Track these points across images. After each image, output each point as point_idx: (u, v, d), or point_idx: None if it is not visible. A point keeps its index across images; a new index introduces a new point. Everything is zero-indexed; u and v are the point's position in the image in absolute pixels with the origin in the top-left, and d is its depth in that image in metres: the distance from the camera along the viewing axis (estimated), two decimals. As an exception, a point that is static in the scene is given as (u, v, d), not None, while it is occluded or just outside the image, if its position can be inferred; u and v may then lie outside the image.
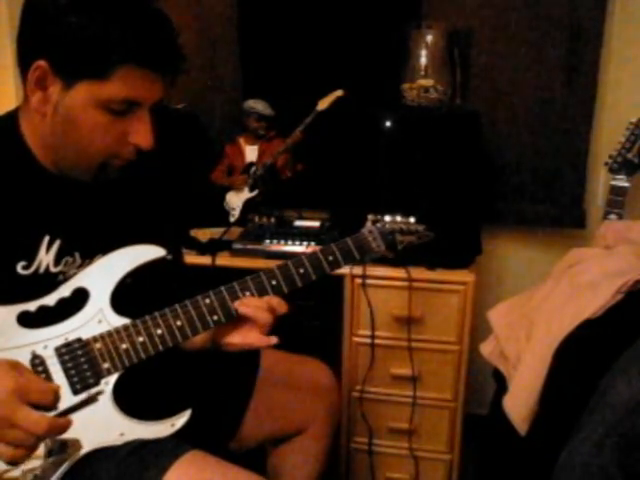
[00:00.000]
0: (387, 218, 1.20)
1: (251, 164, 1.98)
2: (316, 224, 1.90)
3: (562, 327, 1.30)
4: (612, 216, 1.65)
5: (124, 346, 0.99)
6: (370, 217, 1.20)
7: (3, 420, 0.80)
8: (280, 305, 1.05)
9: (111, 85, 0.91)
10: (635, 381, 1.09)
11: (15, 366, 0.86)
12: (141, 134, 0.97)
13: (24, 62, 0.94)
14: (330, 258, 1.11)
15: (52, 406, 0.86)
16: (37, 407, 0.83)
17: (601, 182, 1.84)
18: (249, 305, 1.03)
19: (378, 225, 1.18)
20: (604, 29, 1.82)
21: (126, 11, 0.90)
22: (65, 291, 1.01)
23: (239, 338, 1.08)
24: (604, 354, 1.18)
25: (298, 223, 1.92)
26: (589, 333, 1.27)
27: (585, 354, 1.26)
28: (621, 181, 1.65)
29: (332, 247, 1.12)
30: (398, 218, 1.21)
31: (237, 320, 1.06)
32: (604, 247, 1.52)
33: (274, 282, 1.06)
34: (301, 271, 1.08)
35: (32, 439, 0.82)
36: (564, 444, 1.15)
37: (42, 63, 0.91)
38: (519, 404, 1.32)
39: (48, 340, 0.97)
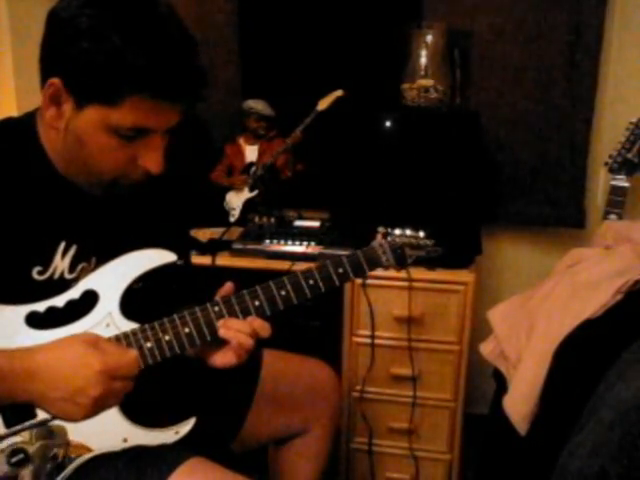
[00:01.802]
0: (397, 232, 1.19)
1: (251, 164, 1.98)
2: (316, 224, 1.90)
3: (562, 327, 1.30)
4: (612, 216, 1.65)
5: None
6: (380, 230, 1.19)
7: (99, 399, 0.87)
8: (263, 328, 1.02)
9: (121, 112, 0.90)
10: (635, 381, 1.10)
11: (95, 344, 0.89)
12: (151, 159, 0.96)
13: (42, 75, 0.94)
14: (340, 270, 1.09)
15: (135, 375, 0.93)
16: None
17: (601, 182, 1.84)
18: (231, 328, 1.01)
19: (388, 239, 1.17)
20: (604, 29, 1.82)
21: (145, 37, 0.88)
22: (74, 293, 1.00)
23: (221, 359, 1.06)
24: (604, 354, 1.18)
25: (298, 223, 1.91)
26: (589, 333, 1.27)
27: (585, 354, 1.26)
28: (621, 181, 1.65)
29: (342, 259, 1.10)
30: (408, 232, 1.20)
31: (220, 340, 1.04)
32: (604, 247, 1.52)
33: (283, 292, 1.05)
34: (311, 282, 1.06)
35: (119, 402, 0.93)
36: (564, 444, 1.16)
37: (56, 81, 0.91)
38: (519, 404, 1.32)
39: None
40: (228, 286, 1.07)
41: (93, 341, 0.90)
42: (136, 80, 0.88)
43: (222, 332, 1.01)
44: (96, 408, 0.88)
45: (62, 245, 1.01)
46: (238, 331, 1.01)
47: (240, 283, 1.08)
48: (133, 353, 0.94)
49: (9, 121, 1.05)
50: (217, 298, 1.04)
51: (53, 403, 0.87)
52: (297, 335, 1.64)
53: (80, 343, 0.89)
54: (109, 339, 0.96)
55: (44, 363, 0.87)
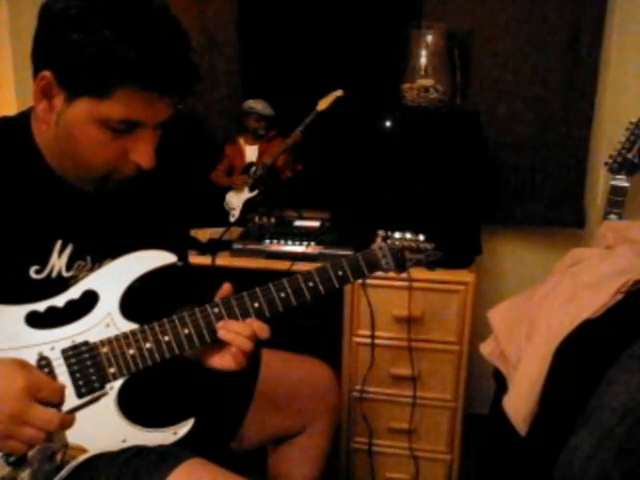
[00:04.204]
0: (397, 235, 1.19)
1: (251, 164, 1.98)
2: (316, 224, 1.90)
3: (562, 327, 1.30)
4: (612, 216, 1.64)
5: (131, 352, 0.98)
6: (380, 233, 1.18)
7: (15, 417, 0.81)
8: (261, 330, 1.02)
9: (110, 105, 0.90)
10: (635, 381, 1.10)
11: (24, 365, 0.87)
12: (141, 153, 0.96)
13: (35, 69, 0.94)
14: (340, 273, 1.09)
15: (60, 404, 0.87)
16: (44, 404, 0.85)
17: (601, 182, 1.84)
18: (231, 330, 1.01)
19: (388, 242, 1.17)
20: (604, 29, 1.82)
21: (135, 29, 0.88)
22: (74, 293, 1.00)
23: (219, 362, 1.05)
24: (604, 354, 1.18)
25: (298, 223, 1.91)
26: (589, 333, 1.27)
27: (585, 354, 1.26)
28: (621, 181, 1.65)
29: (342, 262, 1.10)
30: (407, 235, 1.19)
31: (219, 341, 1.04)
32: (604, 247, 1.52)
33: (283, 295, 1.05)
34: (310, 285, 1.07)
35: (43, 435, 0.84)
36: (564, 444, 1.15)
37: (47, 74, 0.91)
38: (519, 404, 1.32)
39: (55, 342, 0.96)
40: (226, 287, 1.06)
41: (23, 362, 0.88)
42: (126, 72, 0.88)
43: (221, 334, 1.01)
44: (10, 429, 0.81)
45: (58, 244, 1.01)
46: (238, 333, 1.01)
47: (240, 283, 1.08)
48: (61, 383, 0.91)
49: (3, 120, 1.04)
50: (217, 299, 1.04)
51: None
52: (297, 335, 1.64)
53: (8, 361, 0.86)
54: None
55: None
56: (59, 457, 0.93)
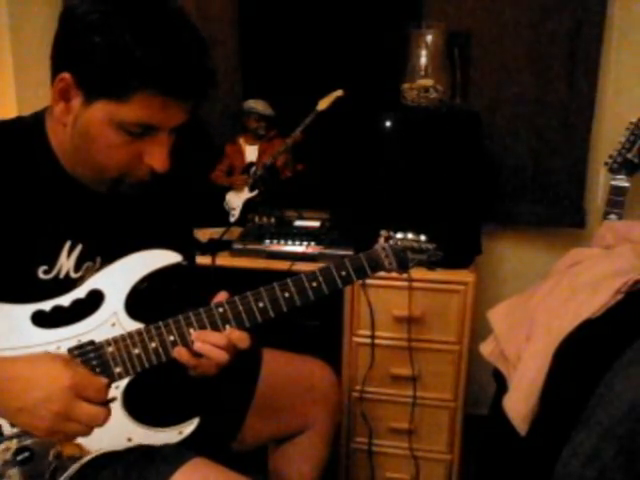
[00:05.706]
0: (399, 235, 1.20)
1: (251, 164, 1.98)
2: (316, 224, 1.90)
3: (562, 327, 1.30)
4: (612, 216, 1.65)
5: (136, 351, 0.98)
6: (383, 233, 1.19)
7: (61, 415, 0.83)
8: (241, 340, 1.00)
9: (128, 108, 0.91)
10: (635, 382, 1.10)
11: (69, 362, 0.88)
12: (156, 157, 0.97)
13: (53, 71, 0.95)
14: (343, 273, 1.09)
15: (102, 401, 0.88)
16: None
17: (601, 182, 1.84)
18: (206, 341, 0.99)
19: (390, 242, 1.18)
20: (604, 29, 1.82)
21: (156, 35, 0.89)
22: (80, 292, 1.01)
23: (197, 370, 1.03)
24: (604, 354, 1.18)
25: (298, 223, 1.91)
26: (589, 333, 1.27)
27: (585, 354, 1.26)
28: (621, 181, 1.65)
29: (345, 263, 1.10)
30: (409, 235, 1.20)
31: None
32: (604, 247, 1.52)
33: (287, 295, 1.05)
34: (314, 285, 1.07)
35: (89, 430, 0.86)
36: (564, 444, 1.16)
37: (66, 76, 0.92)
38: (519, 404, 1.32)
39: (61, 341, 0.97)
40: (222, 295, 1.05)
41: (66, 359, 0.89)
42: (145, 76, 0.89)
43: (197, 346, 0.99)
44: (57, 425, 0.83)
45: (67, 244, 1.02)
46: (213, 345, 0.99)
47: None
48: (104, 379, 0.91)
49: (18, 120, 1.05)
50: (222, 300, 1.03)
51: (14, 414, 0.85)
52: (297, 335, 1.64)
53: (53, 358, 0.87)
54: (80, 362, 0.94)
55: (12, 373, 0.85)
56: (51, 455, 0.93)
